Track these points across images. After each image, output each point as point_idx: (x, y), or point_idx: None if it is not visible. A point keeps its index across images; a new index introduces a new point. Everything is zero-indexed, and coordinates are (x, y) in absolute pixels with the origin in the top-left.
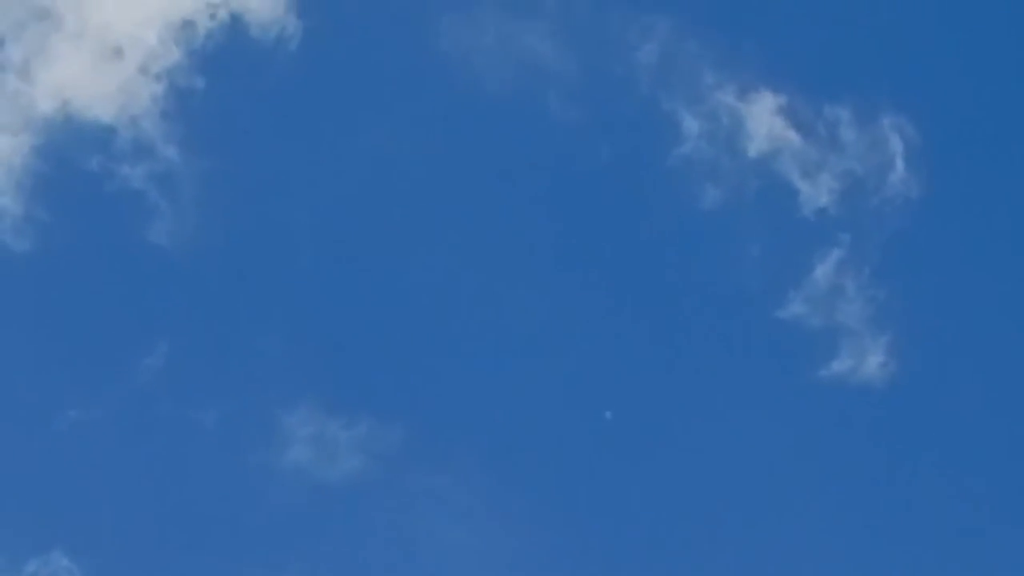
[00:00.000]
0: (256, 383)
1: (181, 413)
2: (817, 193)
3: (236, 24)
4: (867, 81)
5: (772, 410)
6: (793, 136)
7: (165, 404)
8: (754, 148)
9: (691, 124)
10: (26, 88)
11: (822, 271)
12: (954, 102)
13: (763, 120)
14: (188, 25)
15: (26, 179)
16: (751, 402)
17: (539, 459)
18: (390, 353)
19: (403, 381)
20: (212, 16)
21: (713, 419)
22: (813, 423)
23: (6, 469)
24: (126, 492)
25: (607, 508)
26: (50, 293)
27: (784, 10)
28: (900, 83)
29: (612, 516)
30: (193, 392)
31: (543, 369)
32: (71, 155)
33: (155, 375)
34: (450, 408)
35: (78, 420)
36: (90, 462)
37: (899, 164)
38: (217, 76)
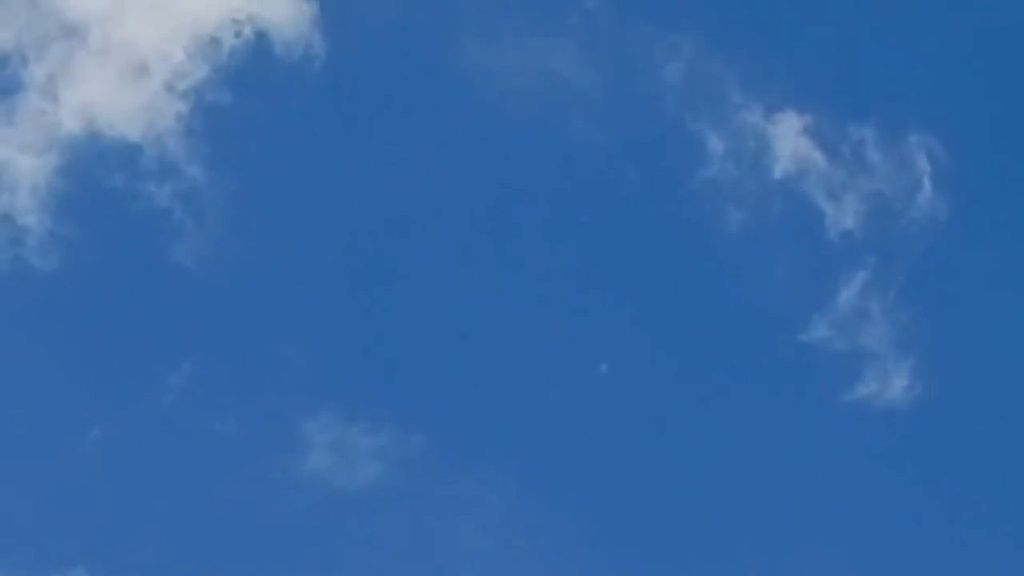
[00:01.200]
0: (277, 391)
1: (203, 425)
2: (843, 215)
3: (261, 42)
4: (894, 100)
5: (796, 434)
6: (819, 157)
7: (187, 417)
8: (779, 169)
9: (716, 145)
10: (50, 107)
11: (847, 294)
12: (983, 122)
13: (788, 140)
14: (213, 43)
15: (51, 198)
16: (775, 426)
17: (561, 468)
18: (411, 361)
19: (424, 388)
20: (237, 34)
21: (737, 443)
22: (837, 447)
23: (29, 486)
24: (147, 507)
25: (628, 519)
26: (75, 312)
27: (809, 29)
28: (928, 103)
29: (633, 527)
30: (215, 404)
31: (565, 384)
32: (96, 174)
33: (179, 393)
34: (471, 415)
35: (101, 438)
36: (112, 479)
37: (927, 185)
38: (242, 94)
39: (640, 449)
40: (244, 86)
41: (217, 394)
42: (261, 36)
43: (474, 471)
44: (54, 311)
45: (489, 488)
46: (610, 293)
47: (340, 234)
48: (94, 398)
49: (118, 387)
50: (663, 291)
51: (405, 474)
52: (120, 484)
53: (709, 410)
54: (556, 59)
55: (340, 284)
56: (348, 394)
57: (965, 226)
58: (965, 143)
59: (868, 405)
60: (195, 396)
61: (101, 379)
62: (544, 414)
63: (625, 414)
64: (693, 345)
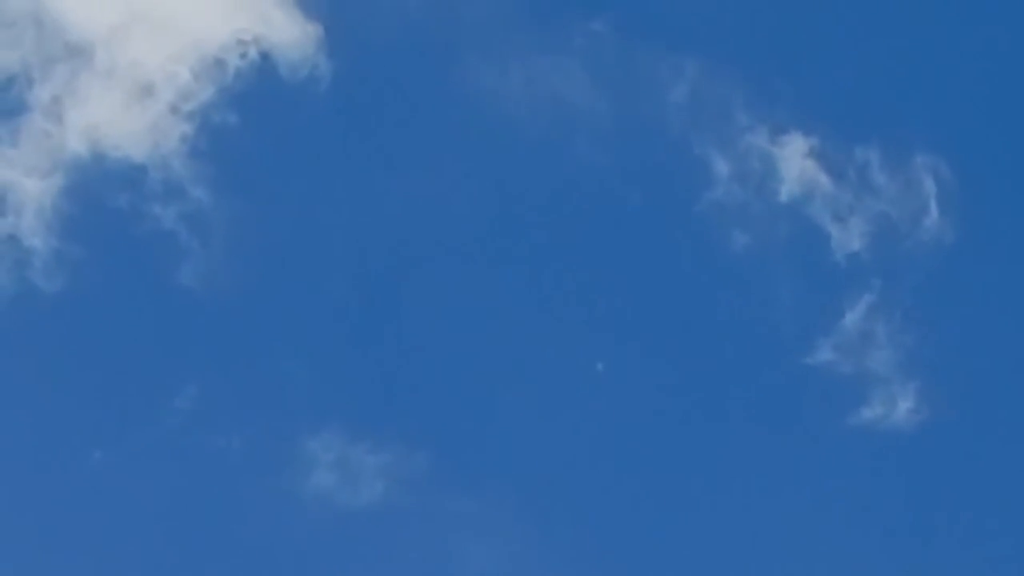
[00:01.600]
0: (281, 409)
1: (206, 444)
2: (849, 238)
3: (266, 63)
4: (900, 122)
5: (801, 457)
6: (824, 179)
7: (192, 437)
8: (785, 191)
9: (722, 167)
10: (55, 128)
11: (852, 317)
12: (990, 144)
13: (794, 163)
14: (218, 64)
15: (56, 220)
16: (780, 449)
17: (566, 486)
18: (415, 378)
19: (428, 406)
20: (243, 55)
21: (742, 465)
22: (842, 470)
23: (32, 507)
24: (150, 528)
25: (633, 538)
26: (80, 333)
27: (814, 50)
28: (934, 124)
29: (638, 546)
30: (219, 423)
31: (570, 402)
32: (101, 195)
33: (184, 415)
34: (476, 433)
35: (104, 461)
36: (115, 501)
37: (933, 207)
38: (247, 115)
39: (645, 468)
40: (249, 107)
41: (221, 413)
42: (266, 57)
43: (479, 489)
44: (59, 333)
45: (494, 506)
46: (615, 315)
47: (344, 254)
48: (98, 420)
49: (122, 409)
50: (668, 314)
51: (410, 492)
52: (123, 505)
53: (714, 433)
54: (561, 80)
55: (344, 303)
56: (352, 412)
57: (971, 249)
58: (972, 165)
59: (873, 428)
60: (200, 417)
61: (105, 401)
62: (549, 432)
63: (630, 434)
64: (698, 368)
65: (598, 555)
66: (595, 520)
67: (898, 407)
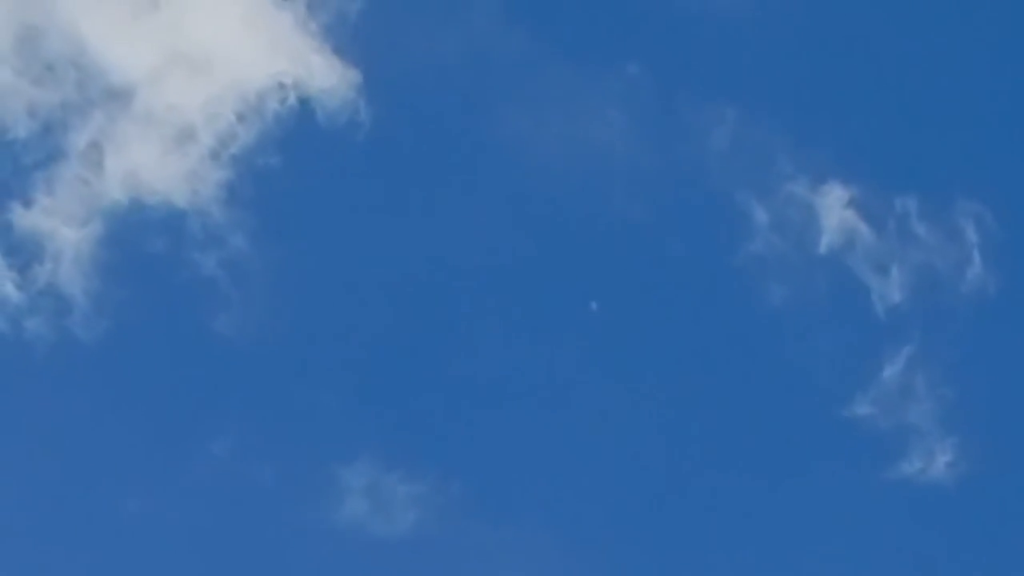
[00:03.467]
0: (315, 439)
1: (241, 476)
2: (889, 289)
3: (305, 109)
4: (942, 170)
5: (839, 511)
6: (865, 229)
7: (228, 479)
8: (825, 242)
9: (762, 216)
10: (93, 175)
11: (892, 370)
12: None
13: (834, 212)
14: (258, 110)
15: (94, 268)
16: (818, 504)
17: (600, 518)
18: (449, 409)
19: (462, 436)
20: (282, 101)
21: (779, 518)
22: (880, 524)
23: (67, 557)
24: (187, 568)
25: (667, 571)
26: (118, 383)
27: (854, 97)
28: (977, 173)
29: None
30: (254, 458)
31: (605, 438)
32: (140, 242)
33: (221, 462)
34: (509, 463)
35: (140, 509)
36: (152, 547)
37: (976, 257)
38: (286, 162)
39: (680, 515)
40: (288, 153)
41: (257, 450)
42: (305, 103)
43: (512, 519)
44: (98, 381)
45: (527, 536)
46: (651, 364)
47: (381, 294)
48: (135, 468)
49: (160, 457)
50: (706, 365)
51: (443, 521)
52: (159, 550)
53: (751, 485)
54: (598, 125)
55: (380, 337)
56: (386, 442)
57: (1015, 300)
58: (1016, 214)
59: (912, 482)
60: (237, 458)
61: (143, 449)
62: (583, 464)
63: (665, 479)
64: (735, 420)
65: None
66: (628, 553)
67: (937, 461)
